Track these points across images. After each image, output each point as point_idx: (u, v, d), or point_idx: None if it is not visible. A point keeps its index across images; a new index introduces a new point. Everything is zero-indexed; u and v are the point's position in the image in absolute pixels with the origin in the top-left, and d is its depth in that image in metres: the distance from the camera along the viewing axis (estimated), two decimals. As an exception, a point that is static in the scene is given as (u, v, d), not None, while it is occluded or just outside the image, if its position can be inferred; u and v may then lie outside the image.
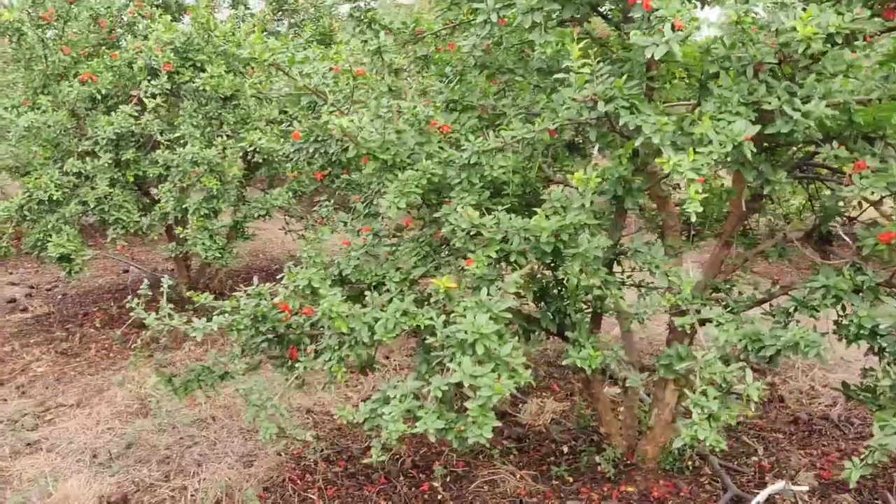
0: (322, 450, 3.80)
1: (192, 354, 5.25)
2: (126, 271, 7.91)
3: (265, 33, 6.41)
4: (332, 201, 3.88)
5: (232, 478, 3.55)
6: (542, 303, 3.29)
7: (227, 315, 3.04)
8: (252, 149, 4.00)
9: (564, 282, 3.14)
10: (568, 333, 3.05)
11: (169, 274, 7.42)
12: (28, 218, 5.37)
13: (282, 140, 3.74)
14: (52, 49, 5.13)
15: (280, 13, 6.69)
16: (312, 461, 3.70)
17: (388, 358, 5.15)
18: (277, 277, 3.13)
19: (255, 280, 3.09)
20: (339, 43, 4.89)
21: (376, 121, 2.84)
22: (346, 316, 2.73)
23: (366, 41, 3.11)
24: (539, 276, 3.13)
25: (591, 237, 2.65)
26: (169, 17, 5.44)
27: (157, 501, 3.49)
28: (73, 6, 5.09)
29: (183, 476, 3.67)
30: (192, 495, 3.47)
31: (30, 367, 5.28)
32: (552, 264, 2.98)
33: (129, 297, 6.12)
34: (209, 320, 3.00)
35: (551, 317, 3.22)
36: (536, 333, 3.33)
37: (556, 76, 2.86)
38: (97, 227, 5.99)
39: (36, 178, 5.24)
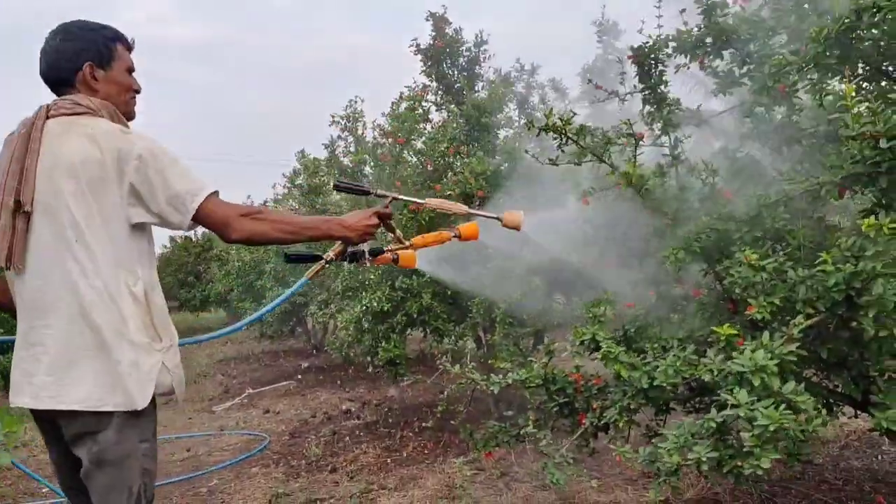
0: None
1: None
2: (442, 393, 8.61)
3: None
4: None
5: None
6: (844, 370, 3.09)
7: (521, 373, 3.33)
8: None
9: (864, 340, 2.95)
10: (872, 397, 2.83)
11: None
12: (365, 329, 6.26)
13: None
14: (389, 184, 6.16)
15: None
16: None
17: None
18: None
19: (545, 339, 3.35)
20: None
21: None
22: (627, 363, 2.86)
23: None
24: (831, 331, 2.97)
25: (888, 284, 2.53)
26: (482, 153, 6.25)
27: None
28: (402, 147, 6.10)
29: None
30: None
31: (358, 458, 5.96)
32: (842, 315, 2.84)
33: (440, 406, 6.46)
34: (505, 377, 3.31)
35: (853, 383, 3.01)
36: (840, 406, 3.12)
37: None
38: (426, 354, 6.76)
39: (371, 294, 6.14)
